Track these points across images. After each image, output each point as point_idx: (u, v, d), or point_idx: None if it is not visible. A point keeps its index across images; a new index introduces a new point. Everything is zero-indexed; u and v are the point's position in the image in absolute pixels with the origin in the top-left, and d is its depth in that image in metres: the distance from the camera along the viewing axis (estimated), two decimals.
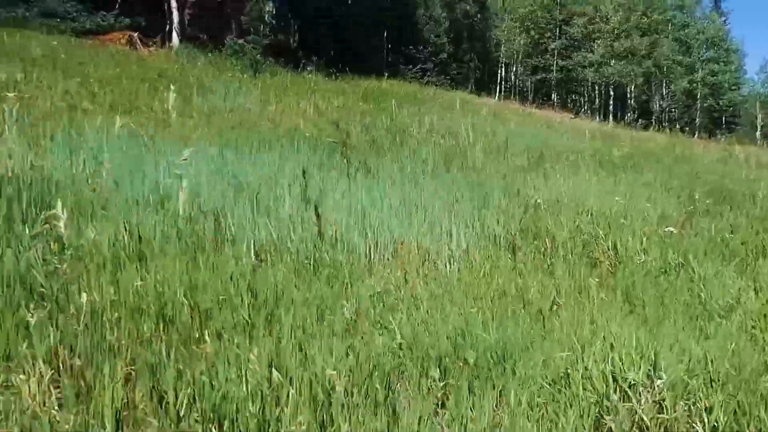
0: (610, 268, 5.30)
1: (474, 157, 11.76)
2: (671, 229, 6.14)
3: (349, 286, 4.06)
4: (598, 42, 41.16)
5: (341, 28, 31.86)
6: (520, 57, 45.70)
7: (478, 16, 42.15)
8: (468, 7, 40.28)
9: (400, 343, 3.26)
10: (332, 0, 31.81)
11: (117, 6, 23.35)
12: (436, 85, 34.79)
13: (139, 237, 4.08)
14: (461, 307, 3.86)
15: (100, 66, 15.25)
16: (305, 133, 10.97)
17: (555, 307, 4.19)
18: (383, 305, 3.77)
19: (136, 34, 21.22)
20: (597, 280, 4.64)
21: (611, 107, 41.24)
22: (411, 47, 34.94)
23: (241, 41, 20.84)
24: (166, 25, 23.02)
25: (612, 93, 41.71)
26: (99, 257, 3.69)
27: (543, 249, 5.56)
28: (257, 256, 4.32)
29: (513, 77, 48.13)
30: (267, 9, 29.68)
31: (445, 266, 4.87)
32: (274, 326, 3.31)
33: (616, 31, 40.60)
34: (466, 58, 43.60)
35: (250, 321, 3.33)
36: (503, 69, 46.01)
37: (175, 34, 22.10)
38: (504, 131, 17.44)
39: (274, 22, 30.20)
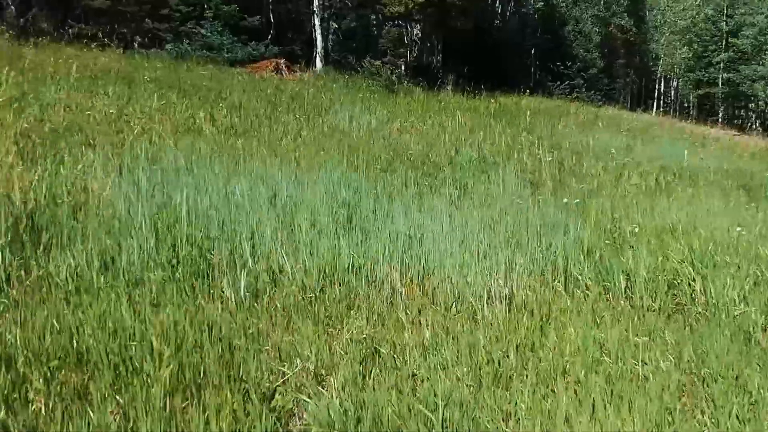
0: (693, 320, 4.52)
1: (591, 176, 10.94)
2: None
3: (343, 330, 3.77)
4: None
5: (486, 47, 31.52)
6: (680, 71, 42.37)
7: (634, 29, 39.73)
8: (623, 22, 38.12)
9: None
10: (478, 19, 31.56)
11: (269, 36, 24.91)
12: (585, 101, 33.28)
13: (104, 265, 4.09)
14: (456, 366, 3.40)
15: (235, 91, 16.21)
16: (409, 151, 10.81)
17: (596, 370, 3.56)
18: (360, 362, 3.42)
19: (282, 61, 22.35)
20: (644, 338, 3.87)
21: None
22: (559, 63, 33.75)
23: (377, 62, 21.28)
24: (313, 51, 24.11)
25: None
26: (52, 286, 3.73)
27: (615, 289, 4.90)
28: (254, 291, 4.15)
29: (673, 92, 44.71)
30: (415, 32, 30.24)
31: (478, 306, 4.40)
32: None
33: None
34: (621, 73, 41.25)
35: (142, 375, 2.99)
36: (661, 84, 42.92)
37: (318, 59, 23.06)
38: (643, 149, 16.15)
39: (419, 42, 30.64)
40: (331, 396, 3.00)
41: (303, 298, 4.14)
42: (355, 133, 13.05)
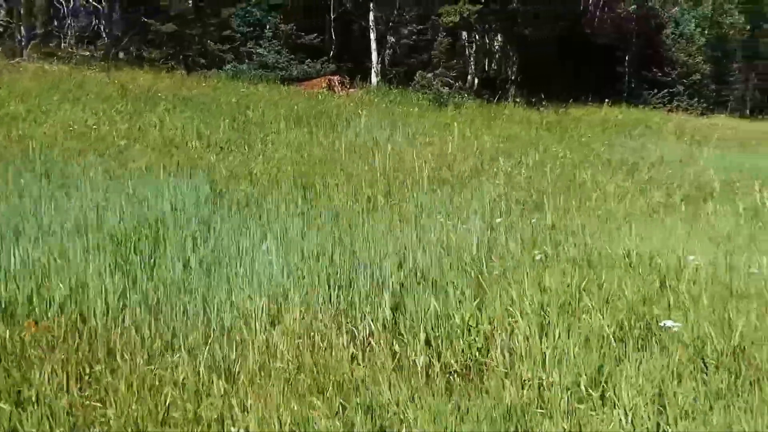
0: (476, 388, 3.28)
1: (600, 193, 9.36)
2: None
3: None
4: None
5: (572, 56, 29.48)
6: None
7: (748, 28, 35.57)
8: (731, 19, 34.22)
9: None
10: (563, 26, 29.56)
11: (331, 54, 24.77)
12: (686, 110, 30.16)
13: None
14: None
15: (262, 108, 15.93)
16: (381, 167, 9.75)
17: None
18: None
19: (335, 78, 22.03)
20: None
21: None
22: (655, 70, 30.93)
23: (429, 76, 20.29)
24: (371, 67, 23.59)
25: None
26: None
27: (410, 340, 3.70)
28: None
29: None
30: (496, 45, 28.97)
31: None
32: None
33: None
34: (739, 78, 37.18)
35: None
36: None
37: (373, 74, 22.47)
38: (705, 164, 13.88)
39: (495, 53, 29.31)
40: None
41: None
42: (350, 149, 12.17)
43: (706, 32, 33.60)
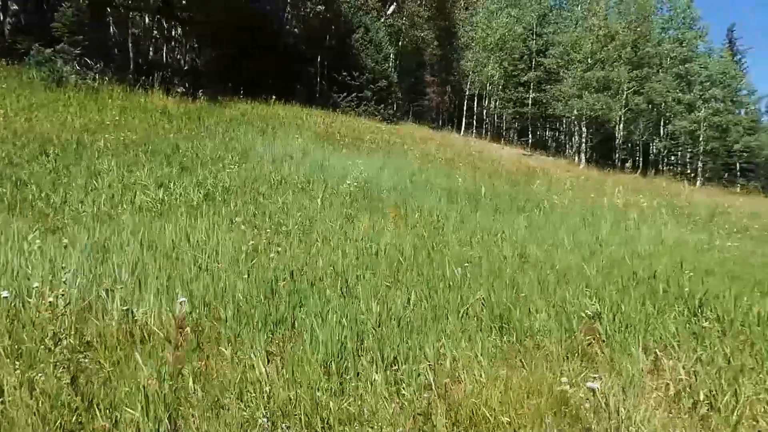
0: None
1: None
2: None
3: None
4: (569, 72, 36.72)
5: (260, 52, 28.28)
6: (493, 90, 41.36)
7: (436, 43, 38.00)
8: (423, 34, 36.14)
9: None
10: (249, 17, 28.14)
11: None
12: (374, 115, 30.74)
13: None
14: None
15: None
16: None
17: None
18: None
19: None
20: None
21: (584, 145, 36.27)
22: (345, 73, 31.13)
23: (49, 51, 17.35)
24: None
25: (584, 129, 36.66)
26: None
27: None
28: None
29: (484, 112, 43.82)
30: (178, 31, 26.59)
31: None
32: None
33: (589, 60, 35.95)
34: (429, 90, 39.58)
35: None
36: (474, 102, 41.77)
37: None
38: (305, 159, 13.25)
39: (174, 40, 27.07)
40: None
41: None
42: None
43: (399, 43, 34.98)
